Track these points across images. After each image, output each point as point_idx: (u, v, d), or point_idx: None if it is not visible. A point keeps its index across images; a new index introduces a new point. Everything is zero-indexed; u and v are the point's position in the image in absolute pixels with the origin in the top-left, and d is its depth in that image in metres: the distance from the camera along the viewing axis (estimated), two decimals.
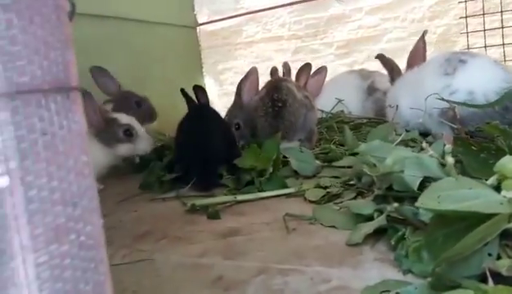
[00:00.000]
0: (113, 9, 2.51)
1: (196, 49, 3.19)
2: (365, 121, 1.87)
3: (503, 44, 2.38)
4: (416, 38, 2.80)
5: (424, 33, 1.74)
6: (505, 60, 2.39)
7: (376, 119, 1.88)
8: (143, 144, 1.62)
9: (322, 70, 2.15)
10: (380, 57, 1.84)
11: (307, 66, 1.87)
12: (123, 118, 1.61)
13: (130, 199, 1.40)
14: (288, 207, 1.12)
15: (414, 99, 1.52)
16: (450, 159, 0.74)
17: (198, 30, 3.21)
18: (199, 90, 1.64)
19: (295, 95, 1.61)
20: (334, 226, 0.94)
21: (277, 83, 1.65)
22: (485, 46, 2.40)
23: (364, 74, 2.18)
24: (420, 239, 0.70)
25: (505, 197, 0.61)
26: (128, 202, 1.38)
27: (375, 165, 0.88)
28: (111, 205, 1.36)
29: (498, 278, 0.59)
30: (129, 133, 1.59)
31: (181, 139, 1.48)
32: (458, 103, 1.29)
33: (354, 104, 2.07)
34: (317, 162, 1.39)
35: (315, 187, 1.19)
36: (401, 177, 0.83)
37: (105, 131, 1.56)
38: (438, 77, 1.44)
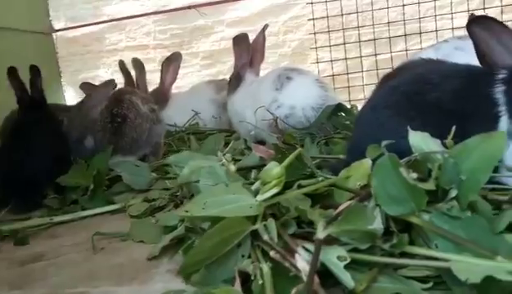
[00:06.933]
0: None
1: (53, 57, 2.94)
2: (215, 132, 1.90)
3: (345, 58, 2.67)
4: (273, 51, 2.96)
5: (265, 27, 1.85)
6: (347, 73, 2.69)
7: (226, 130, 1.94)
8: None
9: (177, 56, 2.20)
10: None
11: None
12: None
13: None
14: (109, 225, 1.08)
15: (253, 110, 1.61)
16: (232, 167, 0.79)
17: (54, 37, 2.97)
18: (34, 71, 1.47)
19: (138, 109, 1.56)
20: (142, 241, 0.93)
21: (119, 96, 1.59)
22: (331, 60, 2.68)
23: (221, 86, 2.22)
24: None
25: (257, 200, 0.66)
26: None
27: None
28: None
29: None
30: None
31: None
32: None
33: (209, 117, 2.11)
34: (154, 174, 1.36)
35: (142, 201, 1.17)
36: (197, 186, 0.85)
37: None
38: (270, 91, 1.58)
